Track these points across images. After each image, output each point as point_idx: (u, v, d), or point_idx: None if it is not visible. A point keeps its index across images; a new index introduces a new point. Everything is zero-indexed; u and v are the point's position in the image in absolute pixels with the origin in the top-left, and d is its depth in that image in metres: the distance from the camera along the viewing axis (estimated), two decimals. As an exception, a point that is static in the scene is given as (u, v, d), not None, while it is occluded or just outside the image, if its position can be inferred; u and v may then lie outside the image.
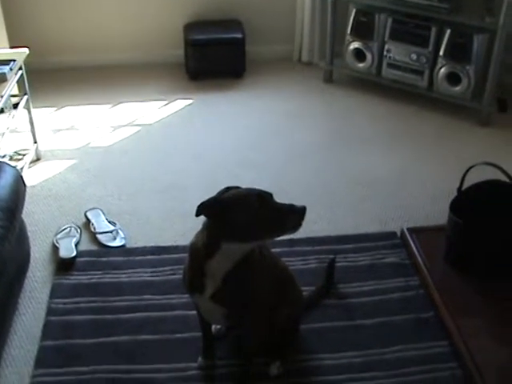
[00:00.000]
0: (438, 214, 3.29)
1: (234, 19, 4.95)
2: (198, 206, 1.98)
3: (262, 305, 2.20)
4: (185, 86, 4.75)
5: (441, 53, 4.21)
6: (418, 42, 4.31)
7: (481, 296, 2.71)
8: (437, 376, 2.40)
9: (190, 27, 4.87)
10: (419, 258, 2.91)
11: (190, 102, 4.54)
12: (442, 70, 4.23)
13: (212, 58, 4.79)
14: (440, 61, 4.23)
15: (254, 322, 2.22)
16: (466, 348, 2.44)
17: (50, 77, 4.71)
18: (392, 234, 3.14)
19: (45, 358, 2.48)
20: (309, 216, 3.24)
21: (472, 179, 2.85)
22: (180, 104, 4.51)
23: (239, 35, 4.76)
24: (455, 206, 2.84)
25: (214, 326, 2.48)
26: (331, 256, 2.84)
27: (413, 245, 2.99)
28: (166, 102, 4.53)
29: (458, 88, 4.21)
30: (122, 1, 4.86)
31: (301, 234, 3.09)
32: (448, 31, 4.14)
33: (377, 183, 3.60)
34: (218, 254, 2.04)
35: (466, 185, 2.86)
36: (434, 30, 4.22)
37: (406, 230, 3.09)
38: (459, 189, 2.87)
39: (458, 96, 4.24)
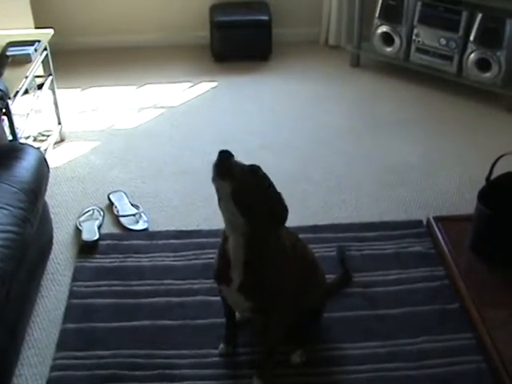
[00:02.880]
0: (464, 202, 3.24)
1: (261, 1, 4.90)
2: None
3: (289, 298, 2.16)
4: (210, 68, 4.72)
5: (471, 38, 4.13)
6: (448, 26, 4.23)
7: (507, 287, 2.66)
8: (461, 369, 2.35)
9: (215, 8, 4.82)
10: (445, 248, 2.85)
11: (215, 84, 4.51)
12: (472, 55, 4.15)
13: (238, 40, 4.75)
14: (470, 46, 4.15)
15: (279, 315, 2.19)
16: (492, 341, 2.38)
17: (75, 57, 4.71)
18: (418, 223, 3.09)
19: (66, 341, 2.48)
20: (333, 202, 3.27)
21: (501, 168, 2.79)
22: (205, 86, 4.48)
23: (265, 17, 4.71)
24: (483, 196, 2.78)
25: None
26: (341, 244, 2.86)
27: (439, 234, 2.93)
28: (190, 84, 4.50)
29: (488, 74, 4.13)
30: (148, -19, 4.84)
31: (325, 220, 3.12)
32: (479, 15, 4.06)
33: (403, 170, 3.54)
34: (230, 238, 2.02)
35: (494, 174, 2.80)
36: (464, 15, 4.14)
37: (432, 219, 3.03)
38: (488, 178, 2.81)
39: (487, 82, 4.16)
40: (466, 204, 3.17)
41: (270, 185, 1.97)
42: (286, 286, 2.12)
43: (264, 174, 1.95)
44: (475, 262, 2.79)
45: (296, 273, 2.17)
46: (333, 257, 2.85)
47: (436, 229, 2.97)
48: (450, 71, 4.32)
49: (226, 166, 1.85)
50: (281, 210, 1.99)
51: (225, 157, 1.86)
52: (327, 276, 2.52)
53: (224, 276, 2.11)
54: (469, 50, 4.17)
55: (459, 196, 3.33)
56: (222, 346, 2.42)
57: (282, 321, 2.23)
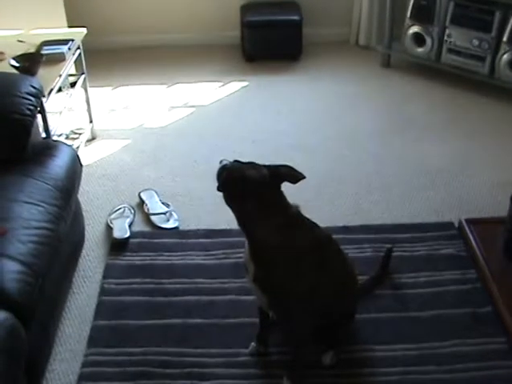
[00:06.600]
0: (497, 205, 3.20)
1: (292, 1, 4.89)
2: None
3: (303, 295, 2.13)
4: (240, 68, 4.73)
5: (504, 38, 4.08)
6: (481, 27, 4.18)
7: (541, 291, 2.63)
8: (493, 373, 2.33)
9: (246, 8, 4.83)
10: (477, 251, 2.82)
11: (245, 84, 4.51)
12: (505, 56, 4.10)
13: (268, 40, 4.75)
14: (503, 47, 4.10)
15: (298, 314, 2.17)
16: (525, 345, 2.37)
17: (107, 56, 4.74)
18: (449, 225, 3.06)
19: (97, 338, 2.51)
20: (363, 203, 3.26)
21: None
22: (235, 86, 4.49)
23: (296, 17, 4.71)
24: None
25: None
26: (388, 245, 2.79)
27: (471, 236, 2.91)
28: (221, 84, 4.51)
29: (520, 75, 4.09)
30: (179, -19, 4.86)
31: (355, 221, 3.10)
32: (513, 16, 4.02)
33: (434, 172, 3.52)
34: None
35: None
36: (497, 15, 4.09)
37: (463, 221, 3.00)
38: (521, 180, 2.79)
39: (520, 83, 4.12)
40: (499, 206, 3.13)
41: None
42: (297, 281, 2.09)
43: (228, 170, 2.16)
44: (508, 265, 2.76)
45: (310, 269, 2.11)
46: (363, 258, 2.84)
47: (468, 231, 2.94)
48: (482, 72, 4.28)
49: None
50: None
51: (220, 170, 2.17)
52: (359, 277, 2.49)
53: (245, 266, 2.17)
54: (501, 51, 4.12)
55: (491, 198, 3.29)
56: (252, 344, 2.42)
57: (304, 321, 2.20)
